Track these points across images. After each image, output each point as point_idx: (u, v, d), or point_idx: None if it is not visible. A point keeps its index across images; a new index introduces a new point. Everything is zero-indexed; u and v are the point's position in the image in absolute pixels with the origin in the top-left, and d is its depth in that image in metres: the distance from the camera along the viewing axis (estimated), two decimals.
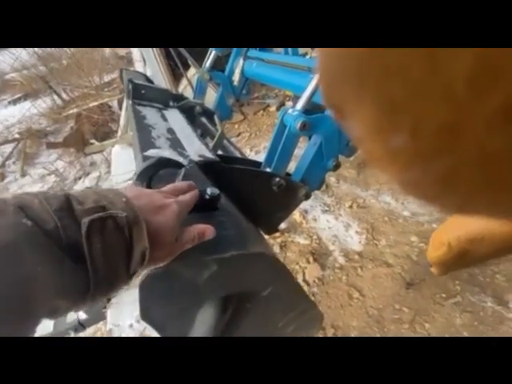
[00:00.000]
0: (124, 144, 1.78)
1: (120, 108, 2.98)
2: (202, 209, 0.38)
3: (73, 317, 0.93)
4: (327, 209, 1.62)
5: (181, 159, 0.33)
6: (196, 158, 0.57)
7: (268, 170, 0.80)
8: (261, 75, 1.18)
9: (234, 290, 0.32)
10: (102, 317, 0.83)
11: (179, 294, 0.28)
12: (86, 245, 0.21)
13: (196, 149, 0.62)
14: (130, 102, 0.85)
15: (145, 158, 0.49)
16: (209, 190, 0.39)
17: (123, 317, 0.82)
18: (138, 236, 0.23)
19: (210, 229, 0.29)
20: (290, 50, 1.13)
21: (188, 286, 0.28)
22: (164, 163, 0.32)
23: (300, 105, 0.71)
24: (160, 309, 0.28)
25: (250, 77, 1.25)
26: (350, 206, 1.60)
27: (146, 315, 0.27)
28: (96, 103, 3.00)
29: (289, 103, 2.98)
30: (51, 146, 2.99)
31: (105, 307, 0.84)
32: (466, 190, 0.09)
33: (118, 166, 1.56)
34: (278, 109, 2.99)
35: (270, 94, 3.20)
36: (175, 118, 0.84)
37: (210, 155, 0.60)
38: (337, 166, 0.81)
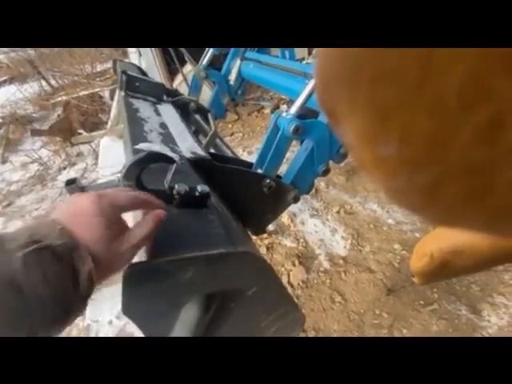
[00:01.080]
0: (114, 136, 1.74)
1: (112, 99, 2.91)
2: (192, 206, 0.38)
3: None
4: (315, 213, 1.64)
5: (172, 155, 0.33)
6: (188, 155, 0.57)
7: (259, 171, 0.80)
8: (257, 77, 1.18)
9: (219, 289, 0.32)
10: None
11: (163, 291, 0.28)
12: (25, 277, 0.20)
13: (188, 145, 0.61)
14: (123, 93, 0.83)
15: (135, 151, 0.49)
16: (199, 188, 0.38)
17: (102, 313, 0.80)
18: (80, 259, 0.22)
19: (161, 212, 0.29)
20: (287, 54, 1.14)
21: (172, 282, 0.27)
22: (155, 157, 0.32)
23: (294, 109, 0.72)
24: (142, 304, 0.28)
25: (247, 78, 1.25)
26: (338, 212, 1.63)
27: (127, 310, 0.26)
28: (86, 92, 2.92)
29: (283, 106, 3.00)
30: (36, 133, 2.89)
31: None
32: (449, 201, 0.09)
33: (106, 159, 1.52)
34: (272, 111, 3.00)
35: (265, 96, 3.21)
36: (169, 113, 0.83)
37: (202, 153, 0.60)
38: (326, 172, 0.82)
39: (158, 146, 0.53)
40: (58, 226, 0.23)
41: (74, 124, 2.85)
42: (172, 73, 2.82)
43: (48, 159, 2.70)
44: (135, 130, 0.59)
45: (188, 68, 2.67)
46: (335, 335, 1.08)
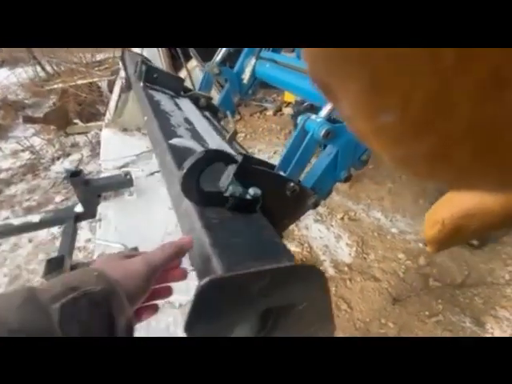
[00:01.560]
0: (116, 129, 1.68)
1: (110, 90, 2.82)
2: (243, 209, 0.35)
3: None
4: (319, 218, 1.63)
5: (233, 154, 0.30)
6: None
7: (282, 173, 0.77)
8: (273, 77, 1.16)
9: (279, 303, 0.30)
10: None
11: (231, 306, 0.25)
12: (61, 333, 0.19)
13: (217, 143, 0.58)
14: (141, 84, 0.79)
15: (171, 147, 0.45)
16: (251, 191, 0.36)
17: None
18: (118, 307, 0.22)
19: (188, 240, 0.29)
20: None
21: (242, 295, 0.25)
22: (218, 157, 0.29)
23: (324, 113, 0.70)
24: (206, 324, 0.25)
25: (262, 77, 1.23)
26: (342, 218, 1.62)
27: (190, 330, 0.23)
28: (85, 81, 2.82)
29: (286, 109, 2.99)
30: (28, 120, 2.77)
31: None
32: (457, 164, 0.09)
33: (108, 152, 1.46)
34: (274, 114, 2.98)
35: (268, 98, 3.19)
36: (189, 108, 0.79)
37: (231, 151, 0.57)
38: (348, 178, 0.80)
39: (191, 142, 0.50)
40: (95, 272, 0.22)
41: (70, 113, 2.75)
42: (176, 67, 2.77)
43: (40, 148, 2.58)
44: (163, 123, 0.56)
45: (193, 63, 2.62)
46: None
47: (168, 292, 0.31)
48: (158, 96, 0.76)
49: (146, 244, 0.45)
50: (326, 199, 0.86)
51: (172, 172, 0.39)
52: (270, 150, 2.44)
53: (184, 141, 0.49)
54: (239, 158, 0.31)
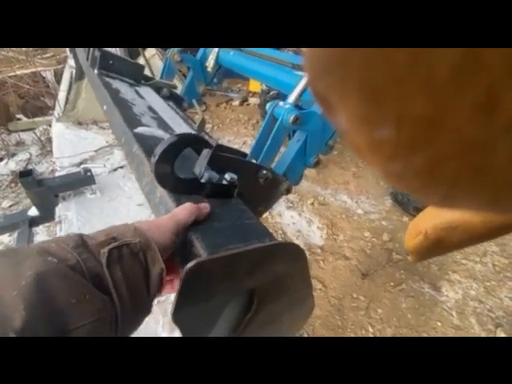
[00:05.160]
0: (69, 122, 1.53)
1: (57, 81, 2.55)
2: (220, 195, 0.35)
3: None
4: (291, 205, 1.67)
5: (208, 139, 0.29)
6: None
7: (254, 161, 0.78)
8: (238, 65, 1.14)
9: (264, 282, 0.30)
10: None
11: (219, 287, 0.25)
12: (108, 273, 0.22)
13: (184, 132, 0.56)
14: (96, 71, 0.73)
15: (137, 136, 0.43)
16: (227, 176, 0.35)
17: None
18: (152, 259, 0.24)
19: (205, 206, 0.30)
20: None
21: (229, 277, 0.25)
22: (192, 141, 0.28)
23: (292, 99, 0.71)
24: (193, 307, 0.24)
25: (226, 65, 1.20)
26: (312, 203, 1.69)
27: (177, 314, 0.23)
28: (26, 71, 2.51)
29: (252, 99, 2.97)
30: None
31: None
32: (449, 181, 0.09)
33: (63, 148, 1.34)
34: (241, 104, 2.95)
35: (233, 87, 3.14)
36: (151, 97, 0.75)
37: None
38: (318, 163, 0.83)
39: (160, 131, 0.48)
40: (131, 226, 0.25)
41: (11, 108, 2.44)
42: (132, 56, 2.58)
43: None
44: (126, 112, 0.52)
45: (152, 51, 2.47)
46: (319, 321, 1.12)
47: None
48: (116, 84, 0.71)
49: None
50: (297, 185, 0.89)
51: (142, 162, 0.37)
52: (238, 141, 2.42)
53: (151, 129, 0.46)
54: (213, 143, 0.30)
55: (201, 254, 0.24)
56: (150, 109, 0.63)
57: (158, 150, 0.27)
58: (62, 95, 2.14)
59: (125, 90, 0.68)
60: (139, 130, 0.44)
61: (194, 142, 0.28)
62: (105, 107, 0.58)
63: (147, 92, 0.79)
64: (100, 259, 0.22)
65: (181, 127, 0.59)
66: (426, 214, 0.49)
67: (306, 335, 1.07)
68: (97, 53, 0.73)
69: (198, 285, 0.22)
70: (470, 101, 0.07)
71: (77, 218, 0.93)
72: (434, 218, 0.45)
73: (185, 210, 0.29)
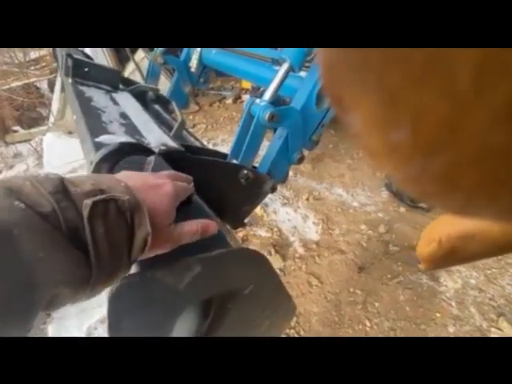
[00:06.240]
0: (59, 132, 1.54)
1: (51, 91, 2.56)
2: None
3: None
4: (286, 201, 1.66)
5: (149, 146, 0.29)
6: (158, 147, 0.51)
7: (234, 162, 0.77)
8: (220, 64, 1.12)
9: (217, 292, 0.29)
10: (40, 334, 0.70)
11: (156, 303, 0.24)
12: (89, 228, 0.19)
13: (157, 136, 0.55)
14: (70, 80, 0.72)
15: (97, 145, 0.42)
16: None
17: (69, 331, 0.71)
18: (139, 221, 0.22)
19: (213, 224, 0.28)
20: None
21: (167, 292, 0.24)
22: (130, 149, 0.27)
23: (267, 96, 0.70)
24: (133, 320, 0.24)
25: (209, 65, 1.18)
26: (307, 199, 1.67)
27: (116, 328, 0.22)
28: (20, 83, 2.53)
29: (245, 96, 2.95)
30: None
31: (44, 322, 0.71)
32: (466, 189, 0.09)
33: (52, 158, 1.34)
34: (234, 101, 2.93)
35: (226, 85, 3.12)
36: (128, 102, 0.74)
37: (173, 144, 0.55)
38: (301, 159, 0.82)
39: (122, 138, 0.47)
40: (122, 183, 0.22)
41: (7, 120, 2.46)
42: (122, 60, 2.58)
43: None
44: (92, 121, 0.51)
45: (141, 55, 2.46)
46: (315, 317, 1.12)
47: None
48: (90, 92, 0.70)
49: None
50: (284, 182, 0.87)
51: None
52: (232, 140, 2.41)
53: (114, 137, 0.46)
54: (157, 150, 0.29)
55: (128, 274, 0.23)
56: (122, 115, 0.62)
57: (95, 158, 0.26)
58: (54, 105, 2.15)
59: (98, 98, 0.68)
60: (101, 138, 0.43)
61: (130, 151, 0.27)
62: (74, 117, 0.58)
63: (124, 98, 0.78)
64: (81, 211, 0.19)
65: (152, 132, 0.58)
66: (442, 221, 0.46)
67: (302, 333, 1.06)
68: (69, 61, 0.72)
69: (128, 301, 0.22)
70: (492, 104, 0.07)
71: None
72: (449, 226, 0.40)
73: (185, 187, 0.28)
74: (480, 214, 0.10)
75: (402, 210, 1.54)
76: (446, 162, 0.08)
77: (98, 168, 0.26)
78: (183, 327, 0.28)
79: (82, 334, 0.69)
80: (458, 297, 1.15)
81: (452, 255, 0.39)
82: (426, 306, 1.13)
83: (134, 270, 0.23)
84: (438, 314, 1.10)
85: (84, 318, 0.64)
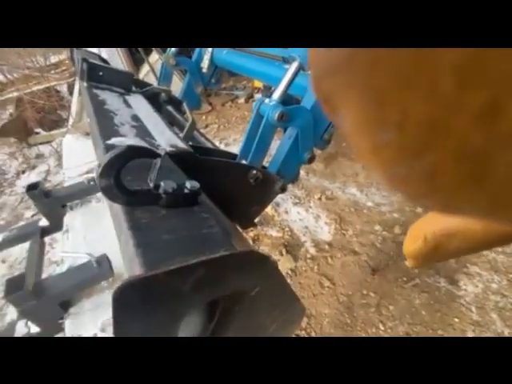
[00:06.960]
0: (77, 134, 1.60)
1: (70, 93, 2.66)
2: (181, 204, 0.34)
3: (23, 329, 0.81)
4: (298, 201, 1.64)
5: (155, 148, 0.29)
6: (168, 148, 0.52)
7: (244, 162, 0.77)
8: (231, 64, 1.13)
9: (222, 294, 0.29)
10: (58, 329, 0.72)
11: (160, 305, 0.24)
12: None
13: (167, 138, 0.56)
14: (85, 84, 0.74)
15: (108, 147, 0.43)
16: (188, 184, 0.35)
17: (85, 326, 0.73)
18: None
19: None
20: None
21: (171, 294, 0.24)
22: (136, 152, 0.27)
23: (277, 95, 0.69)
24: (138, 323, 0.24)
25: (220, 65, 1.19)
26: (319, 198, 1.65)
27: (121, 331, 0.23)
28: (41, 87, 2.65)
29: (257, 95, 2.94)
30: None
31: (61, 318, 0.73)
32: (449, 187, 0.09)
33: (71, 159, 1.39)
34: (246, 101, 2.93)
35: (239, 85, 3.13)
36: (140, 105, 0.76)
37: (183, 145, 0.55)
38: (312, 159, 0.81)
39: (133, 140, 0.48)
40: None
41: (30, 123, 2.58)
42: (137, 62, 2.64)
43: (3, 163, 2.43)
44: (104, 123, 0.53)
45: (155, 57, 2.51)
46: (327, 319, 1.10)
47: None
48: (104, 95, 0.72)
49: (114, 250, 0.43)
50: (295, 182, 0.86)
51: None
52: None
53: (125, 140, 0.47)
54: (162, 152, 0.29)
55: (135, 271, 0.23)
56: (134, 117, 0.64)
57: (102, 161, 0.26)
58: (73, 108, 2.23)
59: (111, 101, 0.69)
60: (112, 140, 0.45)
61: (137, 154, 0.28)
62: (88, 120, 0.59)
63: (137, 100, 0.80)
64: None
65: (163, 134, 0.59)
66: (428, 218, 0.47)
67: (313, 334, 1.05)
68: (85, 65, 0.74)
69: (135, 304, 0.22)
70: (473, 105, 0.07)
71: (82, 227, 0.96)
72: (434, 224, 0.42)
73: None
74: (461, 213, 0.10)
75: (419, 210, 1.48)
76: (431, 162, 0.08)
77: (106, 170, 0.26)
78: (188, 329, 0.28)
79: (97, 329, 0.71)
80: (479, 302, 1.10)
81: (437, 252, 0.40)
82: (444, 311, 1.08)
83: (137, 271, 0.23)
84: (456, 319, 1.06)
85: (99, 313, 0.66)
